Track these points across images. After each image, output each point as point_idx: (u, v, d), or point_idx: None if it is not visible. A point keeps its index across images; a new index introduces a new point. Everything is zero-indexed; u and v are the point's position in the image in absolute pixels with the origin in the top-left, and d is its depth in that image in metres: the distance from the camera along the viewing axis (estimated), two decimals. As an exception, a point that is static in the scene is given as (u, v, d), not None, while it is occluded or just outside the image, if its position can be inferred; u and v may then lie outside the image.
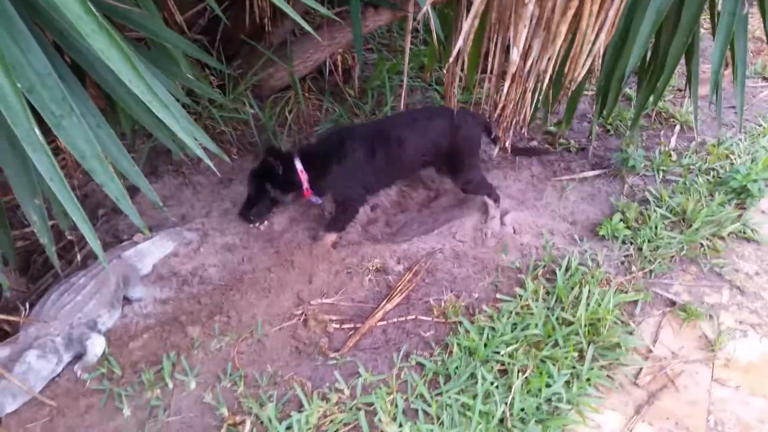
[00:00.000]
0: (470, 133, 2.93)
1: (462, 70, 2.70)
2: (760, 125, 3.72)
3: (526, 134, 3.47)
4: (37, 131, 1.42)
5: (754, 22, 4.43)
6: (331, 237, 2.84)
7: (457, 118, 2.86)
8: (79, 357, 2.25)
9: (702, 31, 3.15)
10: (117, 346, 2.33)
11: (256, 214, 2.84)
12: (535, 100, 2.44)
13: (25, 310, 2.31)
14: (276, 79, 3.53)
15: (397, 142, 2.82)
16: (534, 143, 3.60)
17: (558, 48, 2.10)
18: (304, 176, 2.75)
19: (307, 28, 1.81)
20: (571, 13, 2.02)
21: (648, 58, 2.85)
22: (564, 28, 2.04)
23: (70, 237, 2.20)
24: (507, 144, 2.77)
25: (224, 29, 3.28)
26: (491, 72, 2.59)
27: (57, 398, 2.13)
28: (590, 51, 2.09)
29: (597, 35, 2.06)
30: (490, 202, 2.97)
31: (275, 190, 2.78)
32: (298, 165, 2.74)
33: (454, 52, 2.29)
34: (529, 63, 2.19)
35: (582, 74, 2.19)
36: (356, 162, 2.77)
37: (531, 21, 2.04)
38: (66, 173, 2.85)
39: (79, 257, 2.58)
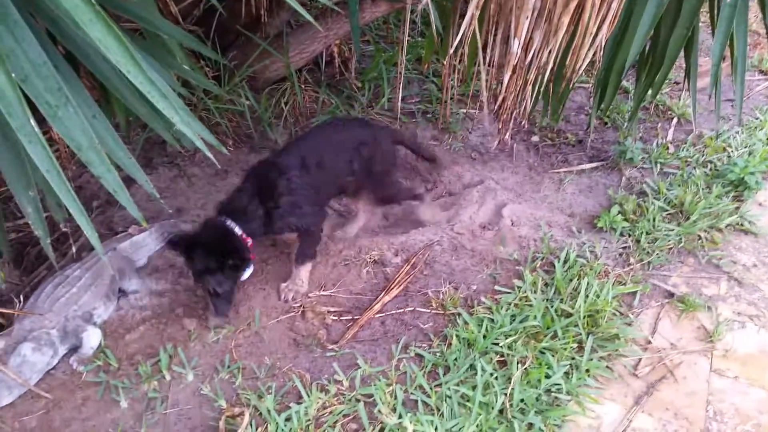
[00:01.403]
0: (385, 149, 2.80)
1: (460, 62, 2.68)
2: (757, 118, 3.72)
3: (525, 126, 3.46)
4: (33, 122, 1.40)
5: (750, 15, 4.43)
6: (307, 268, 2.55)
7: (374, 131, 2.81)
8: (74, 349, 2.23)
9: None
10: (113, 339, 2.31)
11: (224, 309, 2.32)
12: (535, 93, 2.43)
13: (20, 302, 2.29)
14: (272, 71, 3.50)
15: (324, 158, 2.56)
16: (536, 138, 3.59)
17: (560, 40, 2.08)
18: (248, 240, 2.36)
19: (307, 16, 1.78)
20: (573, 4, 2.00)
21: (647, 51, 2.84)
22: (566, 20, 2.02)
23: (65, 229, 2.17)
24: (507, 136, 2.75)
25: (219, 20, 3.24)
26: (490, 64, 2.57)
27: (53, 390, 2.12)
28: (592, 43, 2.08)
29: (599, 27, 2.05)
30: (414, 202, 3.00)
31: (230, 275, 2.29)
32: (237, 230, 2.31)
33: (454, 44, 2.28)
34: (530, 55, 2.18)
35: (584, 66, 2.18)
36: (295, 187, 2.43)
37: (533, 12, 2.03)
38: (60, 165, 2.82)
39: (74, 249, 2.55)
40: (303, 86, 3.61)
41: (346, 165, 2.63)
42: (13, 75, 1.37)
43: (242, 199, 2.36)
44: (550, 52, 2.15)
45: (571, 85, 2.61)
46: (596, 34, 2.09)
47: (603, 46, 2.21)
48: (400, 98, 3.28)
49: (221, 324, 2.34)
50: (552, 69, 2.26)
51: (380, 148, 2.75)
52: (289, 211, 2.41)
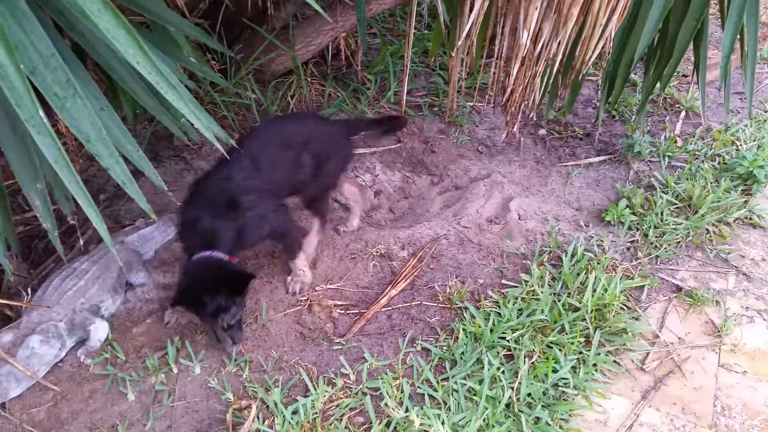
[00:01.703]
0: (339, 146, 2.66)
1: (468, 54, 2.66)
2: (766, 111, 3.70)
3: (533, 119, 3.44)
4: (42, 113, 1.39)
5: (761, 7, 4.39)
6: (302, 258, 2.50)
7: (327, 127, 2.65)
8: (82, 342, 2.24)
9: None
10: (120, 331, 2.32)
11: (240, 335, 2.19)
12: (544, 84, 2.41)
13: (28, 295, 2.30)
14: (278, 64, 3.49)
15: (276, 157, 2.40)
16: (543, 132, 3.57)
17: (569, 31, 2.07)
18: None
19: (317, 7, 1.77)
20: (583, -5, 1.99)
21: (655, 43, 2.81)
22: (575, 11, 2.00)
23: (72, 221, 2.17)
24: (515, 129, 2.73)
25: (226, 13, 3.23)
26: (497, 57, 2.55)
27: (61, 383, 2.13)
28: (602, 34, 2.06)
29: (609, 18, 2.03)
30: (317, 226, 2.66)
31: (240, 302, 2.17)
32: (224, 257, 2.18)
33: (462, 36, 2.26)
34: (539, 46, 2.16)
35: (593, 58, 2.16)
36: (256, 199, 2.28)
37: (542, 3, 2.01)
38: (67, 158, 2.82)
39: (81, 242, 2.56)
40: (309, 79, 3.61)
41: (298, 162, 2.44)
42: (21, 66, 1.36)
43: (208, 223, 2.18)
44: (559, 43, 2.13)
45: (580, 77, 2.59)
46: (606, 26, 2.07)
47: (612, 37, 2.19)
48: (406, 91, 3.26)
49: (238, 349, 2.23)
50: (561, 61, 2.25)
51: (333, 144, 2.61)
52: (258, 224, 2.29)
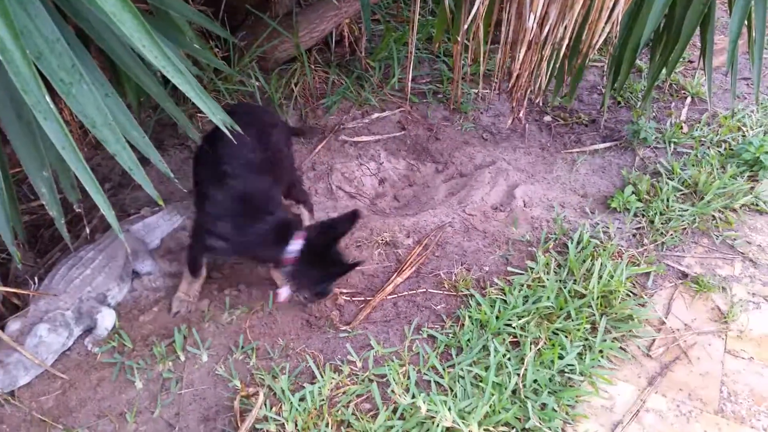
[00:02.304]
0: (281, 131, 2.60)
1: (473, 39, 2.64)
2: (772, 97, 3.67)
3: (538, 106, 3.42)
4: (48, 99, 1.39)
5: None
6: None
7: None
8: (89, 330, 2.24)
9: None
10: (127, 320, 2.32)
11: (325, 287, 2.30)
12: (550, 69, 2.39)
13: (35, 283, 2.30)
14: (282, 51, 3.47)
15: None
16: (548, 118, 3.55)
17: (576, 15, 2.05)
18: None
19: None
20: (589, -22, 1.97)
21: (662, 28, 2.79)
22: (582, -6, 1.99)
23: (78, 210, 2.18)
24: (521, 114, 2.72)
25: (228, -1, 3.22)
26: (503, 42, 2.53)
27: (69, 371, 2.13)
28: (608, 18, 2.04)
29: (616, 1, 2.01)
30: (305, 213, 2.71)
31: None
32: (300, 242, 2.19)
33: (467, 22, 2.24)
34: (545, 30, 2.14)
35: (600, 42, 2.14)
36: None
37: (548, -14, 1.99)
38: (71, 146, 2.80)
39: (87, 230, 2.56)
40: (313, 66, 3.59)
41: (273, 151, 2.41)
42: (27, 52, 1.35)
43: (276, 217, 2.21)
44: (565, 27, 2.11)
45: (586, 62, 2.57)
46: (612, 9, 2.05)
47: (618, 21, 2.17)
48: (410, 78, 3.24)
49: None
50: (568, 45, 2.23)
51: (282, 128, 2.61)
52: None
